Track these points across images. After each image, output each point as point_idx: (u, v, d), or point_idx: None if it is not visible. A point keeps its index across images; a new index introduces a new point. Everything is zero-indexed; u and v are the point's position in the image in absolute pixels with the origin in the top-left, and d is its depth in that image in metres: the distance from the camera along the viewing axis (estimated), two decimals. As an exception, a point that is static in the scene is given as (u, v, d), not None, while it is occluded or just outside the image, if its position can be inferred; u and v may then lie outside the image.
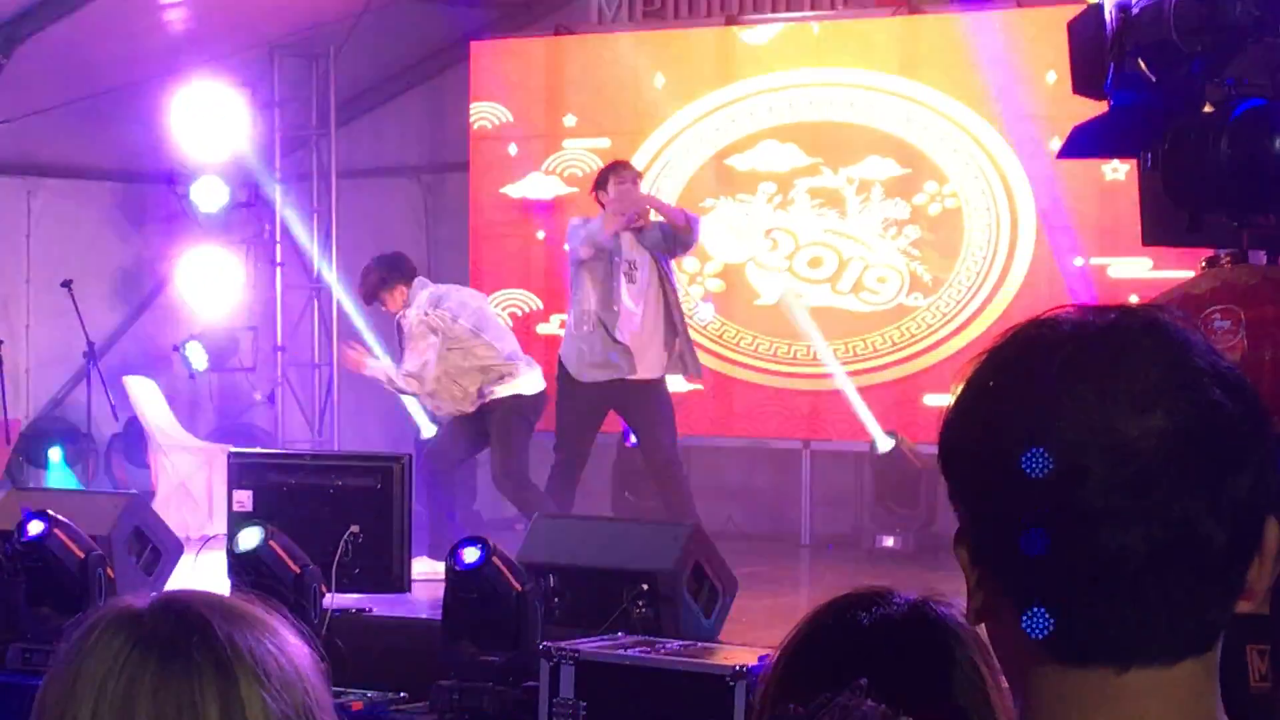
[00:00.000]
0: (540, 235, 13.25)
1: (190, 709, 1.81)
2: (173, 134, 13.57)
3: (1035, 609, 1.50)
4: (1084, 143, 6.39)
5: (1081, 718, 1.51)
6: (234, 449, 10.52)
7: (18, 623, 8.93)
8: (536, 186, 13.24)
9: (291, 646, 1.89)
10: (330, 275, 14.24)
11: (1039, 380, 1.50)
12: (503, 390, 10.77)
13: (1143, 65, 5.74)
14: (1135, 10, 5.77)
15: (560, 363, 10.95)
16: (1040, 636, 1.50)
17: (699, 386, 12.67)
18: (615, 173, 10.82)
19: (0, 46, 12.06)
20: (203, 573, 9.28)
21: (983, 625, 1.60)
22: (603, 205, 10.68)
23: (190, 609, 1.87)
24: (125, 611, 1.87)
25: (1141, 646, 1.49)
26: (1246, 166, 5.69)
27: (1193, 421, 1.48)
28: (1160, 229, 6.12)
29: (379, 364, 11.13)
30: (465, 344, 10.69)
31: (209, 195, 13.87)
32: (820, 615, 2.38)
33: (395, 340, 11.10)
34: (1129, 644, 1.49)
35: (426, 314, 10.68)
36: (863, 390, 12.16)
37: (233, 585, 8.29)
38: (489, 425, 10.80)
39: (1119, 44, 5.79)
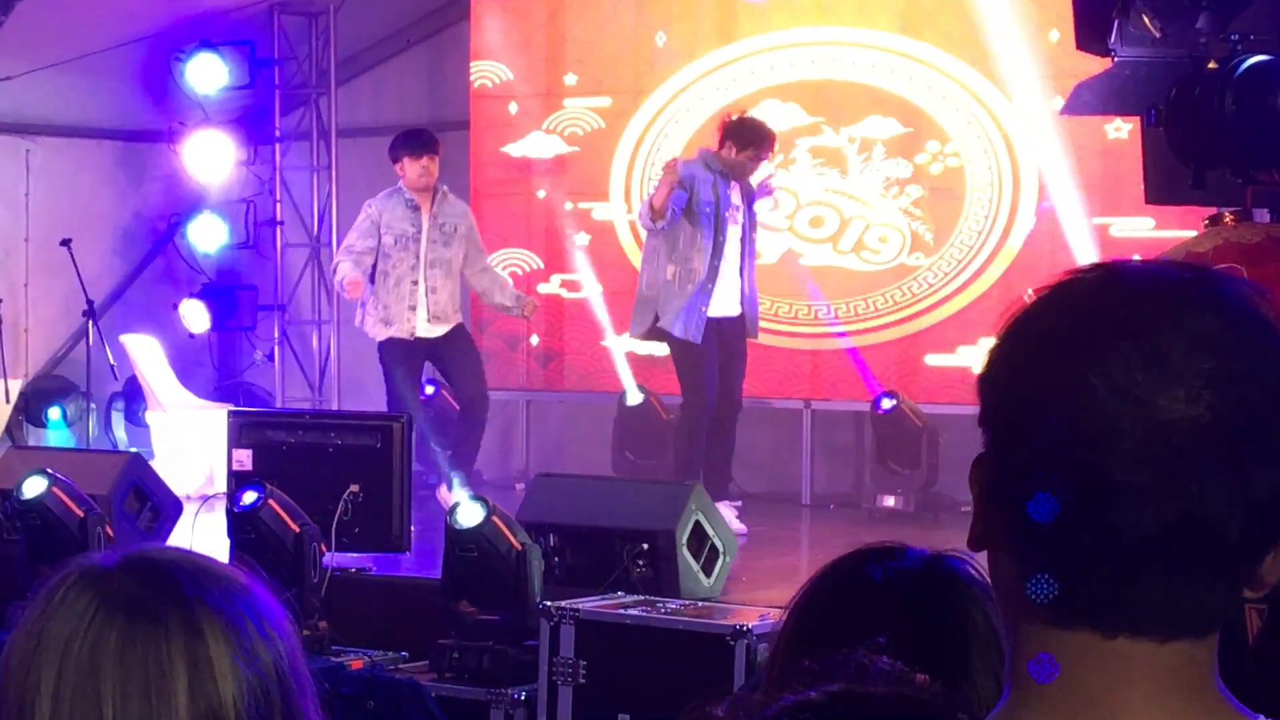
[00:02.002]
0: (541, 194, 13.21)
1: (157, 669, 1.77)
2: (171, 92, 13.53)
3: (1036, 572, 1.48)
4: (1087, 99, 6.36)
5: (1064, 673, 1.49)
6: (234, 408, 10.51)
7: (17, 581, 8.91)
8: (537, 145, 13.20)
9: (264, 606, 1.85)
10: (330, 234, 14.21)
11: (1086, 334, 1.45)
12: None
13: (1147, 21, 5.70)
14: (1140, -35, 5.74)
15: (661, 329, 10.73)
16: (1035, 597, 1.48)
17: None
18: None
19: (-1, 4, 12.02)
20: (202, 532, 9.27)
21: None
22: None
23: (158, 567, 1.83)
24: (92, 569, 1.83)
25: (1133, 621, 1.47)
26: (1251, 122, 5.66)
27: (1236, 416, 1.43)
28: (1163, 187, 6.08)
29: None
30: None
31: (208, 154, 13.83)
32: (832, 571, 2.36)
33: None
34: (1121, 616, 1.47)
35: None
36: (864, 350, 12.14)
37: (232, 544, 8.29)
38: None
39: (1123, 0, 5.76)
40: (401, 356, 11.00)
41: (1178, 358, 1.42)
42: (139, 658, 1.78)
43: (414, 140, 11.24)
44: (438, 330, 11.02)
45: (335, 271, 11.25)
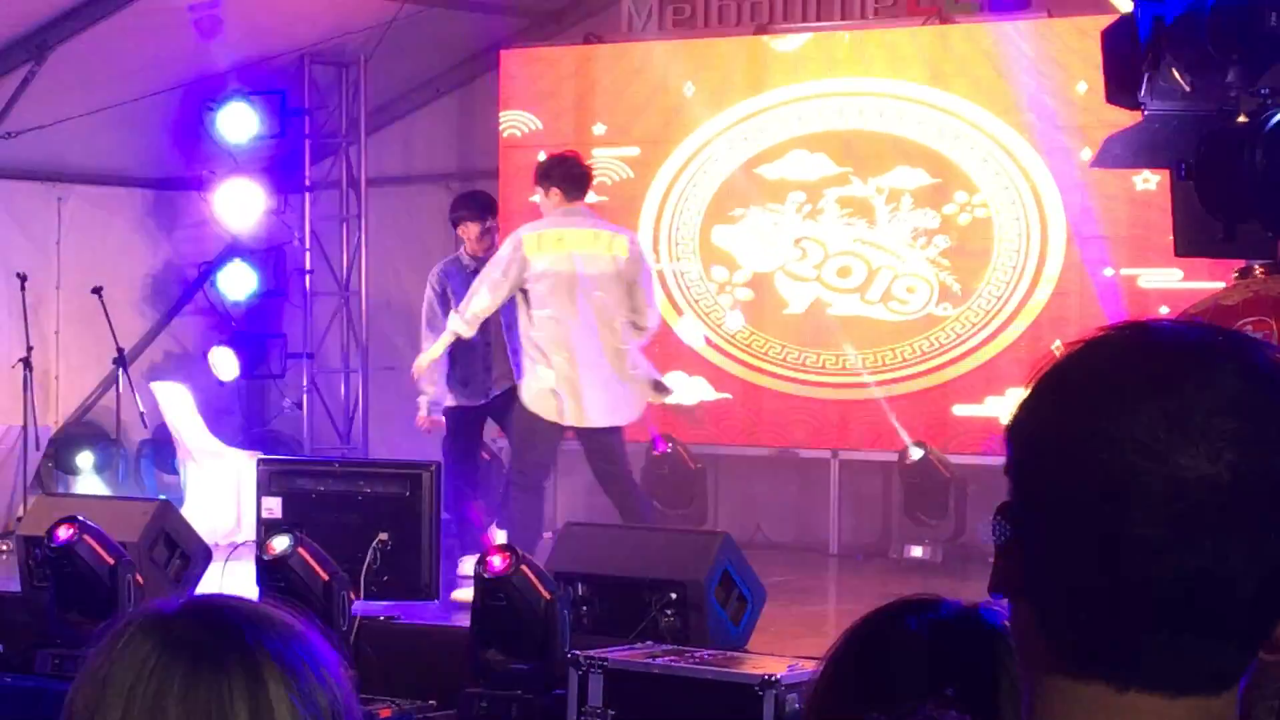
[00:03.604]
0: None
1: (219, 713, 1.82)
2: (202, 141, 13.60)
3: (1051, 614, 1.50)
4: (1117, 152, 6.37)
5: None
6: (263, 456, 10.53)
7: (47, 628, 8.96)
8: (566, 194, 13.22)
9: (320, 651, 1.89)
10: (359, 282, 14.26)
11: (1113, 390, 1.48)
12: None
13: (1177, 74, 5.72)
14: (1170, 20, 5.75)
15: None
16: (1050, 639, 1.50)
17: (728, 396, 12.68)
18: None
19: (32, 53, 12.09)
20: (231, 580, 9.29)
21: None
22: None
23: (219, 613, 1.88)
24: (154, 615, 1.88)
25: (1144, 675, 1.48)
26: (1281, 177, 5.67)
27: (1256, 478, 1.44)
28: (1193, 240, 6.09)
29: None
30: None
31: (239, 203, 13.89)
32: (869, 622, 2.37)
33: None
34: (1133, 670, 1.48)
35: None
36: (892, 400, 12.15)
37: (261, 592, 8.30)
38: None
39: (1153, 53, 5.77)
40: (468, 422, 11.09)
41: (1200, 417, 1.45)
42: (202, 702, 1.81)
43: (478, 202, 11.30)
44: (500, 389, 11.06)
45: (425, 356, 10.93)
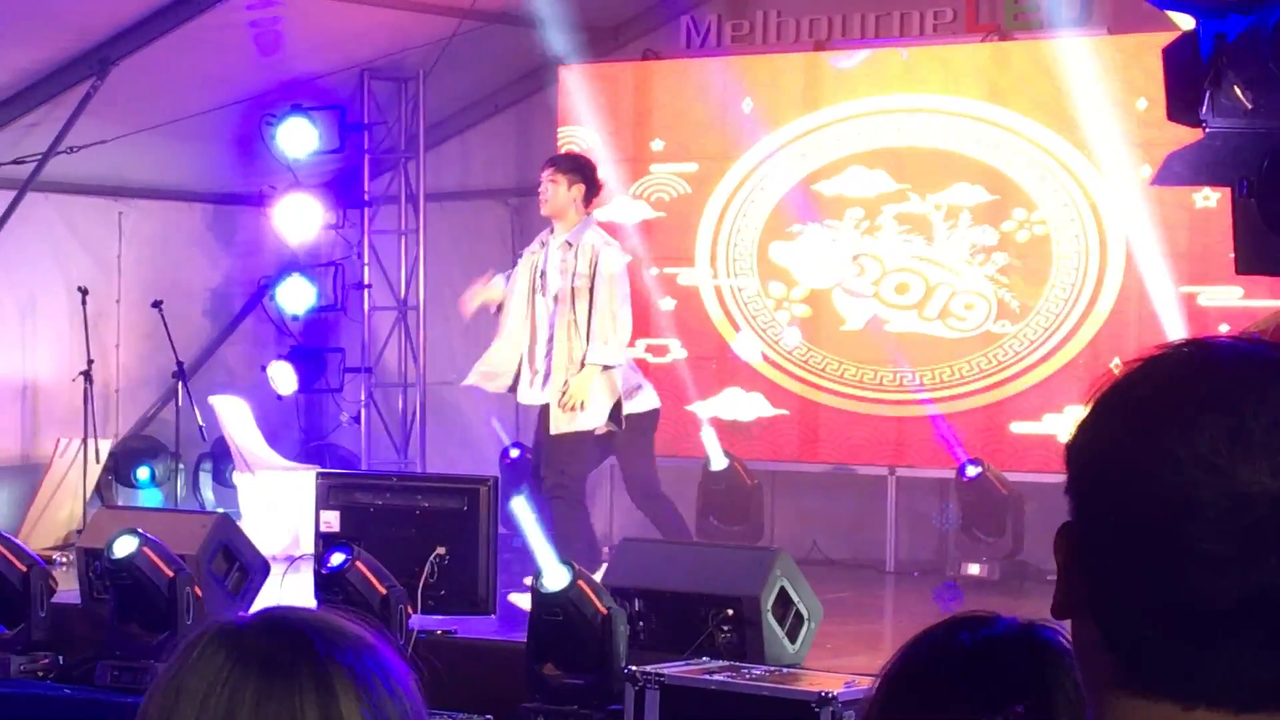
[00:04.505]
0: (627, 259, 13.24)
1: None
2: (263, 156, 13.67)
3: (1116, 632, 1.50)
4: (1179, 170, 6.35)
5: None
6: (321, 470, 10.58)
7: (106, 640, 9.01)
8: (624, 210, 13.26)
9: (391, 664, 1.90)
10: (418, 297, 14.31)
11: (1174, 407, 1.48)
12: None
13: (1239, 92, 5.70)
14: (1231, 37, 5.73)
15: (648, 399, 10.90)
16: (1115, 658, 1.50)
17: (785, 412, 12.67)
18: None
19: (95, 69, 12.18)
20: (289, 593, 9.33)
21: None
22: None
23: (291, 625, 1.89)
24: (226, 627, 1.89)
25: (1210, 692, 1.48)
26: (1344, 194, 5.64)
27: None
28: (1255, 257, 6.06)
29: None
30: None
31: (299, 217, 13.96)
32: (924, 638, 2.37)
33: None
34: (1198, 687, 1.48)
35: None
36: (949, 417, 12.12)
37: (319, 605, 8.32)
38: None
39: (1215, 71, 5.75)
40: None
41: (1261, 434, 1.45)
42: (274, 713, 1.83)
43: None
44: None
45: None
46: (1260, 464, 1.45)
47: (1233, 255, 6.19)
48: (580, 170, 10.42)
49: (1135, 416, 1.50)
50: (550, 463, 10.14)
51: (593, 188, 10.40)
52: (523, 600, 9.00)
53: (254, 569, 9.62)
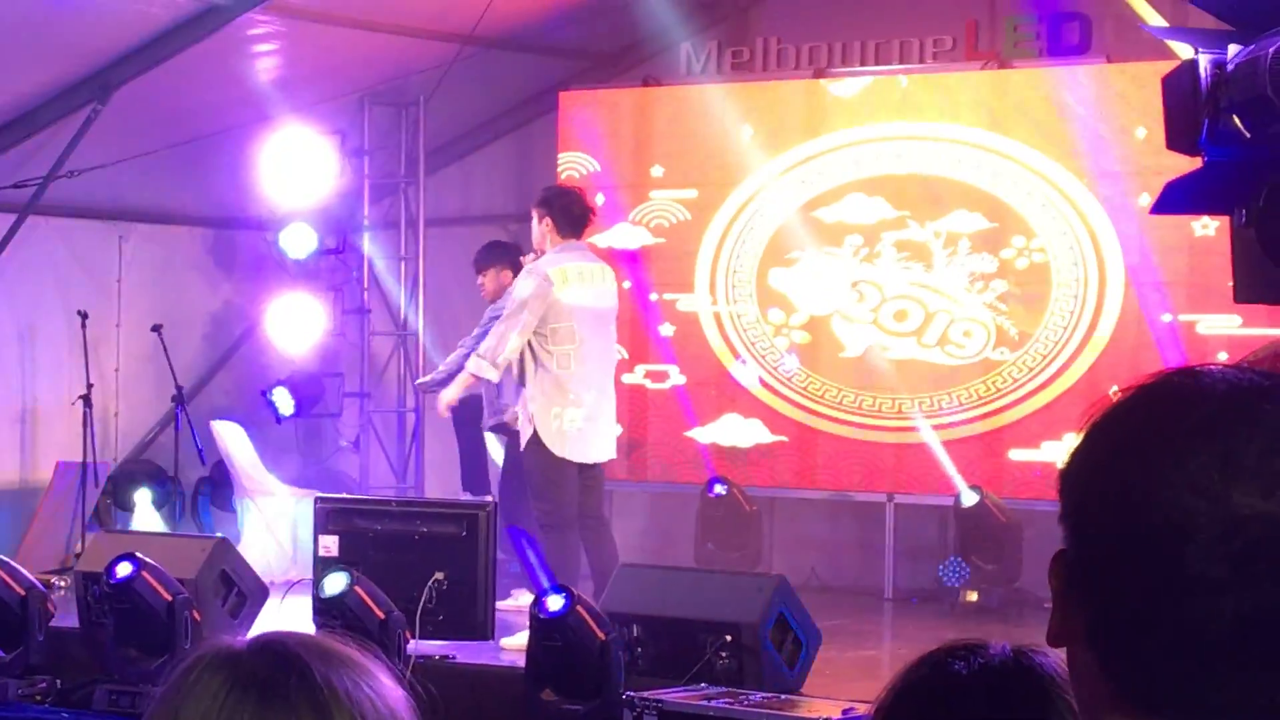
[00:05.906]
0: (626, 285, 13.26)
1: None
2: (263, 181, 13.68)
3: (1113, 659, 1.51)
4: (1177, 198, 6.36)
5: None
6: (320, 494, 10.58)
7: (105, 664, 9.01)
8: (624, 236, 13.28)
9: (387, 689, 1.91)
10: (417, 322, 14.32)
11: (1167, 434, 1.50)
12: None
13: (1238, 121, 5.71)
14: (1230, 66, 5.74)
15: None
16: (1113, 684, 1.51)
17: (784, 439, 12.67)
18: None
19: (96, 93, 12.19)
20: (288, 617, 9.32)
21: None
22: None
23: (288, 649, 1.89)
24: (224, 651, 1.90)
25: (1208, 714, 1.49)
26: (1342, 224, 5.65)
27: None
28: (1253, 286, 6.07)
29: None
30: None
31: (298, 242, 13.96)
32: (917, 667, 2.38)
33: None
34: (1198, 709, 1.49)
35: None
36: (948, 444, 12.13)
37: (317, 630, 8.32)
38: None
39: (1213, 100, 5.76)
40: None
41: (1253, 459, 1.47)
42: None
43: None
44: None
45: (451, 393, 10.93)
46: (1252, 488, 1.47)
47: (1231, 284, 6.20)
48: (546, 203, 10.46)
49: (1127, 445, 1.53)
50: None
51: (564, 217, 10.35)
52: (516, 641, 9.01)
53: (252, 593, 9.62)
